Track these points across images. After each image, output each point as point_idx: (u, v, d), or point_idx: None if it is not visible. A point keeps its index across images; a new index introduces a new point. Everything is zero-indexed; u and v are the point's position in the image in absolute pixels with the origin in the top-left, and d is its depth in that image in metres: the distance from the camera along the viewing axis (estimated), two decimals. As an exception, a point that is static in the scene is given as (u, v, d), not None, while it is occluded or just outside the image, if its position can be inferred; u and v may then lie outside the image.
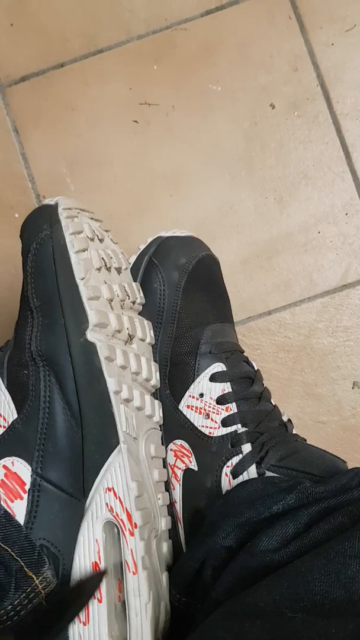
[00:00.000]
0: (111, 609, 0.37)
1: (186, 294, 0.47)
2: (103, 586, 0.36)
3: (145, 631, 0.35)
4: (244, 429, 0.43)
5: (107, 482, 0.37)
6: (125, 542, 0.36)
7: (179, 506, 0.43)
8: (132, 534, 0.36)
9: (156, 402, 0.44)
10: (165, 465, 0.45)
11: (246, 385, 0.46)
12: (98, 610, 0.36)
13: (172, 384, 0.46)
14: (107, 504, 0.36)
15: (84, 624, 0.36)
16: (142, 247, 0.49)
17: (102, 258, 0.40)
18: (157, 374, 0.45)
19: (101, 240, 0.42)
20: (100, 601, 0.36)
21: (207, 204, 0.62)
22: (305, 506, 0.35)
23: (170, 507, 0.44)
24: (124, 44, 0.63)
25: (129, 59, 0.63)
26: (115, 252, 0.43)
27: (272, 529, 0.34)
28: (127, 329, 0.41)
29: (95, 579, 0.35)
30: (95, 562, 0.36)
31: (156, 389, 0.46)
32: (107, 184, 0.62)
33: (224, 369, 0.45)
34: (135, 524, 0.36)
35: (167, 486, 0.44)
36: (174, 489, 0.44)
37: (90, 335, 0.38)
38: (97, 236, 0.41)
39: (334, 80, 0.62)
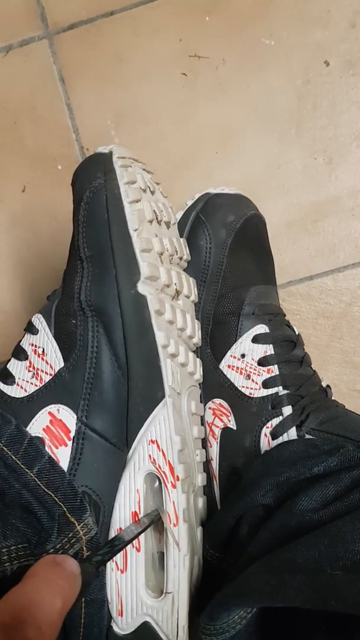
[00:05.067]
0: (148, 558, 0.37)
1: (232, 253, 0.46)
2: (142, 536, 0.37)
3: (182, 582, 0.36)
4: (285, 392, 0.43)
5: (151, 435, 0.37)
6: (167, 493, 0.36)
7: (215, 464, 0.43)
8: (174, 486, 0.36)
9: (197, 360, 0.44)
10: (203, 423, 0.45)
11: (288, 349, 0.45)
12: (136, 559, 0.37)
13: (214, 343, 0.46)
14: (149, 455, 0.37)
15: (122, 572, 0.37)
16: (190, 203, 0.48)
17: (154, 210, 0.39)
18: (199, 332, 0.45)
19: (152, 193, 0.41)
20: (138, 550, 0.37)
21: (253, 162, 0.60)
22: (347, 469, 0.35)
23: (206, 464, 0.44)
24: (176, -7, 0.61)
25: (180, 9, 0.61)
26: (165, 205, 0.42)
27: (312, 489, 0.35)
28: (175, 284, 0.41)
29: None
30: (135, 511, 0.37)
31: (197, 347, 0.46)
32: (153, 138, 0.61)
33: (267, 330, 0.45)
34: (177, 476, 0.36)
35: (204, 443, 0.44)
36: (210, 447, 0.44)
37: (141, 288, 0.38)
38: (149, 188, 0.40)
39: (393, 38, 0.59)
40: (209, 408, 0.45)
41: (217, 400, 0.44)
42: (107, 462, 0.37)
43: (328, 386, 0.47)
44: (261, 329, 0.45)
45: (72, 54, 0.62)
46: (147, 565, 0.37)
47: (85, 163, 0.39)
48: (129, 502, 0.37)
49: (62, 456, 0.37)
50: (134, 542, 0.36)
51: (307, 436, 0.41)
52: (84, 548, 0.35)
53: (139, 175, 0.39)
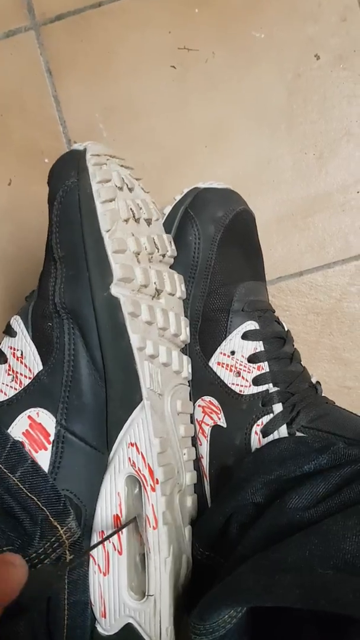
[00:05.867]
0: (131, 561, 0.37)
1: (221, 248, 0.46)
2: (124, 539, 0.36)
3: (164, 584, 0.35)
4: (275, 389, 0.42)
5: (130, 437, 0.36)
6: (146, 497, 0.35)
7: (205, 461, 0.43)
8: (153, 489, 0.35)
9: (185, 357, 0.43)
10: (192, 421, 0.44)
11: (278, 345, 0.45)
12: (118, 561, 0.36)
13: (203, 340, 0.45)
14: (129, 458, 0.36)
15: (104, 575, 0.36)
16: (178, 197, 0.47)
17: (131, 209, 0.38)
18: (187, 329, 0.44)
19: (131, 190, 0.40)
20: (120, 553, 0.36)
21: (243, 157, 0.60)
22: (337, 467, 0.35)
23: (196, 462, 0.43)
24: (165, -16, 0.60)
25: (169, 1, 0.60)
26: (145, 202, 0.41)
27: (302, 488, 0.34)
28: (155, 283, 0.40)
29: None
30: (117, 514, 0.36)
31: (186, 345, 0.45)
32: (142, 131, 0.60)
33: (257, 327, 0.44)
34: (157, 479, 0.35)
35: (194, 441, 0.43)
36: (200, 445, 0.43)
37: (115, 290, 0.37)
38: (127, 185, 0.39)
39: (384, 31, 0.59)
40: (199, 406, 0.44)
41: (207, 398, 0.44)
42: (88, 465, 0.37)
43: (318, 382, 0.46)
44: (251, 325, 0.44)
45: (59, 46, 0.61)
46: (130, 567, 0.36)
47: (60, 161, 0.38)
48: (110, 505, 0.36)
49: (42, 460, 0.36)
50: (115, 545, 0.36)
51: (298, 434, 0.41)
52: (67, 552, 0.35)
53: (115, 172, 0.38)
